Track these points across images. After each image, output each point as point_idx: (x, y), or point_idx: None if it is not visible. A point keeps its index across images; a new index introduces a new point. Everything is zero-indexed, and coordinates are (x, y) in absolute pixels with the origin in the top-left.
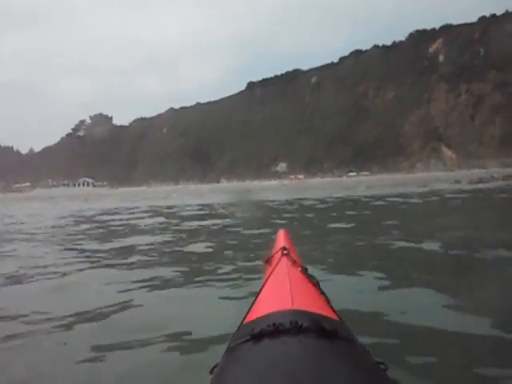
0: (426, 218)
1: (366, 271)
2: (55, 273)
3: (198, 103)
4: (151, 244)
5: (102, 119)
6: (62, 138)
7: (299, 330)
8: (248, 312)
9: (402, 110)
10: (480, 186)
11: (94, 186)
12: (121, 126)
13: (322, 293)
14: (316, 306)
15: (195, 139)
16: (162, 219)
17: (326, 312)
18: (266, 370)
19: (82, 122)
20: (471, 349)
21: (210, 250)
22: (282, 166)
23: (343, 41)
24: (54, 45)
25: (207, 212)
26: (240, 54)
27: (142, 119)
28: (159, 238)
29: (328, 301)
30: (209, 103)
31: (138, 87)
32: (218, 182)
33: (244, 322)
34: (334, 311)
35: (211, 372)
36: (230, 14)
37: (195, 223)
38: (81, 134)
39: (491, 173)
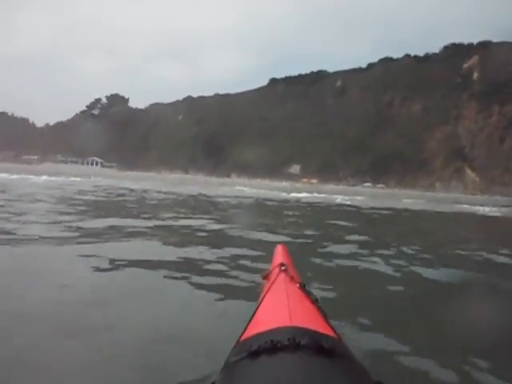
0: None
1: None
2: None
3: (217, 94)
4: None
5: (117, 100)
6: (76, 115)
7: (297, 347)
8: (245, 328)
9: (427, 125)
10: None
11: (102, 166)
12: (136, 109)
13: (321, 309)
14: (314, 323)
15: (210, 130)
16: None
17: (324, 329)
18: None
19: (98, 100)
20: None
21: None
22: (295, 168)
23: (373, 47)
24: (78, 22)
25: None
26: (265, 51)
27: (159, 104)
28: None
29: (326, 318)
30: (228, 95)
31: (158, 72)
32: (228, 176)
33: (241, 339)
34: (332, 328)
35: None
36: (260, 10)
37: None
38: (95, 112)
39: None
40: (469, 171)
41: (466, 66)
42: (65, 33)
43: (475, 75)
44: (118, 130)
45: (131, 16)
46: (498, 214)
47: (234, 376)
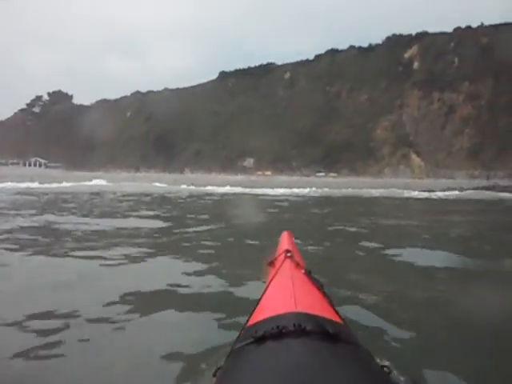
0: None
1: None
2: None
3: (166, 89)
4: None
5: (61, 97)
6: (15, 114)
7: (302, 333)
8: (251, 314)
9: (373, 114)
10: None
11: (46, 166)
12: (81, 106)
13: (326, 295)
14: (319, 309)
15: (161, 126)
16: None
17: (329, 315)
18: (270, 373)
19: (39, 97)
20: None
21: None
22: (249, 162)
23: (320, 39)
24: (16, 16)
25: None
26: (214, 44)
27: (106, 101)
28: None
29: (332, 303)
30: (178, 90)
31: (104, 68)
32: (181, 172)
33: (247, 325)
34: (338, 314)
35: (214, 375)
36: (207, 3)
37: None
38: (36, 110)
39: (459, 183)
40: (414, 156)
41: (406, 55)
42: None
43: (416, 64)
44: (62, 128)
45: (75, 7)
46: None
47: (240, 361)
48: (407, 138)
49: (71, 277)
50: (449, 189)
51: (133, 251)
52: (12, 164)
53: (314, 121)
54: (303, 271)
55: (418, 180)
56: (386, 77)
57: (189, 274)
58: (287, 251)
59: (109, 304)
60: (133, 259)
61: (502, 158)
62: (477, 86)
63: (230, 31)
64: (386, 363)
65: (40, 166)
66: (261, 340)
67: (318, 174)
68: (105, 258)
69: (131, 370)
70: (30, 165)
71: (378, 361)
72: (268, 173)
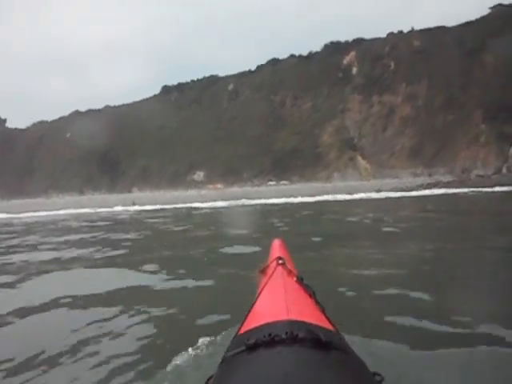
0: None
1: None
2: None
3: (108, 106)
4: None
5: None
6: None
7: (294, 341)
8: (243, 322)
9: (318, 120)
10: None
11: None
12: (16, 129)
13: (318, 303)
14: (311, 316)
15: (103, 145)
16: None
17: (321, 322)
18: (262, 381)
19: None
20: None
21: None
22: (199, 175)
23: (260, 49)
24: None
25: None
26: (154, 60)
27: (42, 122)
28: None
29: (324, 311)
30: (120, 106)
31: (39, 88)
32: (129, 191)
33: (239, 333)
34: (330, 321)
35: (206, 383)
36: (144, 19)
37: None
38: None
39: (404, 183)
40: (360, 159)
41: (345, 61)
42: None
43: (354, 70)
44: None
45: (7, 29)
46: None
47: (232, 369)
48: (352, 142)
49: None
50: (395, 189)
51: None
52: None
53: (260, 130)
54: (295, 278)
55: (365, 182)
56: (327, 83)
57: None
58: (279, 258)
59: None
60: None
61: (442, 155)
62: (413, 87)
63: (173, 46)
64: (378, 371)
65: None
66: (253, 348)
67: (269, 183)
68: None
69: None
70: None
71: (371, 368)
72: (219, 186)
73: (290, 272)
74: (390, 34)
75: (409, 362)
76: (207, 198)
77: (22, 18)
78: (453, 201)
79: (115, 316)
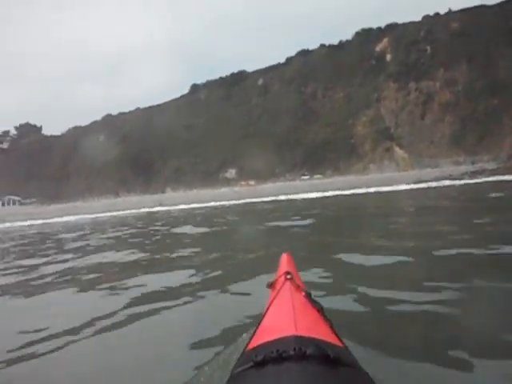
0: None
1: None
2: None
3: (138, 108)
4: None
5: (29, 129)
6: None
7: (303, 357)
8: (251, 338)
9: (351, 111)
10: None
11: (20, 203)
12: (51, 136)
13: (326, 318)
14: (320, 332)
15: (136, 147)
16: None
17: (329, 338)
18: None
19: (6, 132)
20: None
21: None
22: (231, 173)
23: (289, 41)
24: None
25: None
26: (182, 60)
27: (76, 128)
28: None
29: (332, 326)
30: (150, 108)
31: (72, 95)
32: (163, 192)
33: (247, 349)
34: (338, 337)
35: None
36: (172, 17)
37: None
38: (4, 146)
39: (445, 171)
40: (397, 149)
41: (378, 49)
42: None
43: (388, 57)
44: (33, 161)
45: (35, 34)
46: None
47: None
48: (388, 132)
49: None
50: (436, 179)
51: None
52: None
53: (291, 124)
54: (303, 294)
55: (403, 172)
56: (360, 72)
57: None
58: (287, 273)
59: None
60: None
61: (485, 142)
62: (452, 71)
63: (200, 44)
64: None
65: (14, 203)
66: (261, 364)
67: (302, 178)
68: None
69: None
70: (3, 204)
71: None
72: (252, 182)
73: (298, 287)
74: (426, 17)
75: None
76: (241, 195)
77: (55, 29)
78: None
79: None
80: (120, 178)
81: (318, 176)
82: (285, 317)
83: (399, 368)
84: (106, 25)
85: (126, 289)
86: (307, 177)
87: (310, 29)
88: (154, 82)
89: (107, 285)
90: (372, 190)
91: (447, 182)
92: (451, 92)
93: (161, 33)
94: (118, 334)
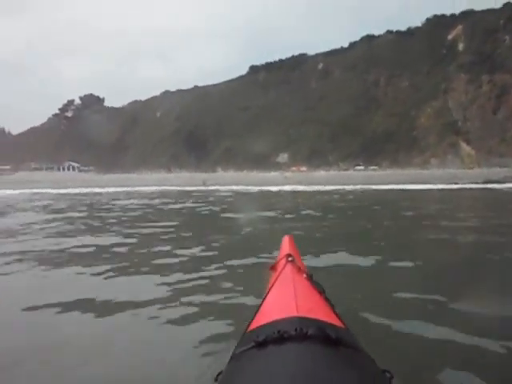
0: None
1: None
2: None
3: (196, 86)
4: None
5: (92, 100)
6: (49, 119)
7: (304, 338)
8: (252, 319)
9: (416, 101)
10: None
11: (79, 170)
12: (112, 108)
13: (327, 300)
14: (321, 313)
15: (191, 124)
16: None
17: (331, 319)
18: (271, 377)
19: (71, 101)
20: None
21: None
22: (283, 157)
23: (353, 25)
24: (52, 27)
25: None
26: (245, 39)
27: (136, 102)
28: None
29: (333, 308)
30: (207, 87)
31: (134, 71)
32: (213, 171)
33: (248, 330)
34: (339, 318)
35: (216, 379)
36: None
37: None
38: (69, 114)
39: None
40: (464, 145)
41: (450, 37)
42: (39, 38)
43: (461, 46)
44: (94, 131)
45: (105, 17)
46: None
47: (241, 366)
48: (455, 125)
49: None
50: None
51: None
52: (47, 169)
53: (350, 111)
54: (305, 276)
55: (468, 170)
56: (429, 61)
57: None
58: (288, 255)
59: None
60: None
61: None
62: None
63: (260, 25)
64: (389, 368)
65: (73, 169)
66: (262, 345)
67: (356, 168)
68: None
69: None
70: (63, 169)
71: (380, 366)
72: (303, 168)
73: (299, 269)
74: (507, 4)
75: (421, 359)
76: (292, 181)
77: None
78: None
79: None
80: (173, 154)
81: (374, 167)
82: (286, 298)
83: None
84: (171, 2)
85: None
86: (362, 167)
87: (376, 13)
88: (213, 61)
89: None
90: (436, 186)
91: None
92: None
93: (224, 13)
94: None
